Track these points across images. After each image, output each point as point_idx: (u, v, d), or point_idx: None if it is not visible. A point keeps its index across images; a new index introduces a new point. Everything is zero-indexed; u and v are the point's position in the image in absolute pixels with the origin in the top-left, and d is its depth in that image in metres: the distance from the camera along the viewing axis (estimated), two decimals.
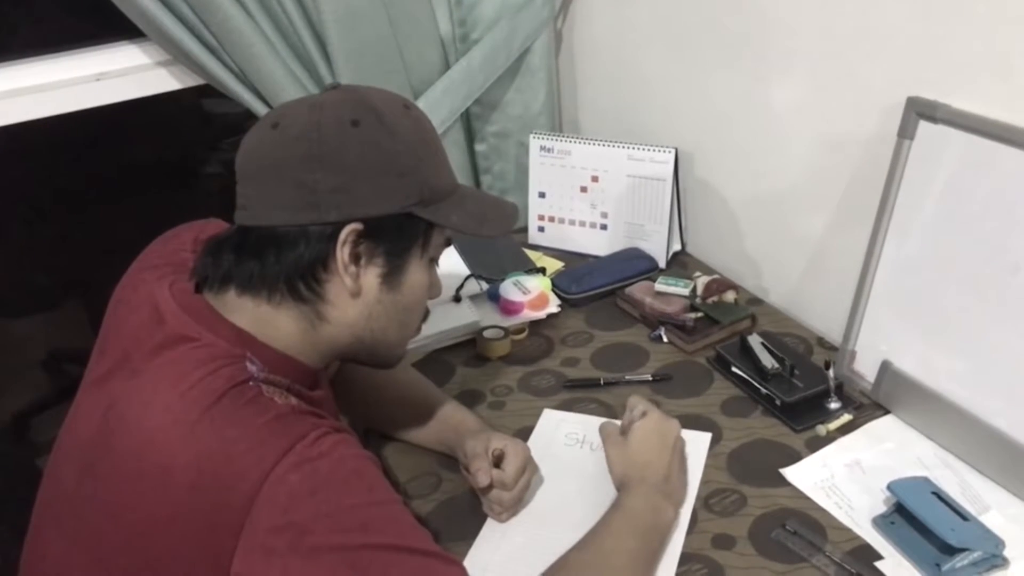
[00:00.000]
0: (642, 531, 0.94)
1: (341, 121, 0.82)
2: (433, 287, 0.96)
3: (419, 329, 0.97)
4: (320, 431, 0.75)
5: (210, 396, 0.75)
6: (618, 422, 1.07)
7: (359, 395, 1.13)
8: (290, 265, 0.83)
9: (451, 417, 1.11)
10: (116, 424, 0.77)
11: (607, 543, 0.91)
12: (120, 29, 1.44)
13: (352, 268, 0.84)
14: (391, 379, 1.14)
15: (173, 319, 0.81)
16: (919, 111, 1.05)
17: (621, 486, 0.99)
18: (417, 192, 0.86)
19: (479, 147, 1.71)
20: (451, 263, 1.48)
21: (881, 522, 0.98)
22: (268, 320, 0.84)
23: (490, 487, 1.00)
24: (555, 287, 1.44)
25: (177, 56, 1.44)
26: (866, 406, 1.16)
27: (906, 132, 1.07)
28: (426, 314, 0.97)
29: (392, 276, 0.88)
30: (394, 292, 0.88)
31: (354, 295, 0.86)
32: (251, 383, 0.78)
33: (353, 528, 0.72)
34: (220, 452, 0.72)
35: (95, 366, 0.86)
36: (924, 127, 1.05)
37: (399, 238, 0.87)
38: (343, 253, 0.83)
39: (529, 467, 1.03)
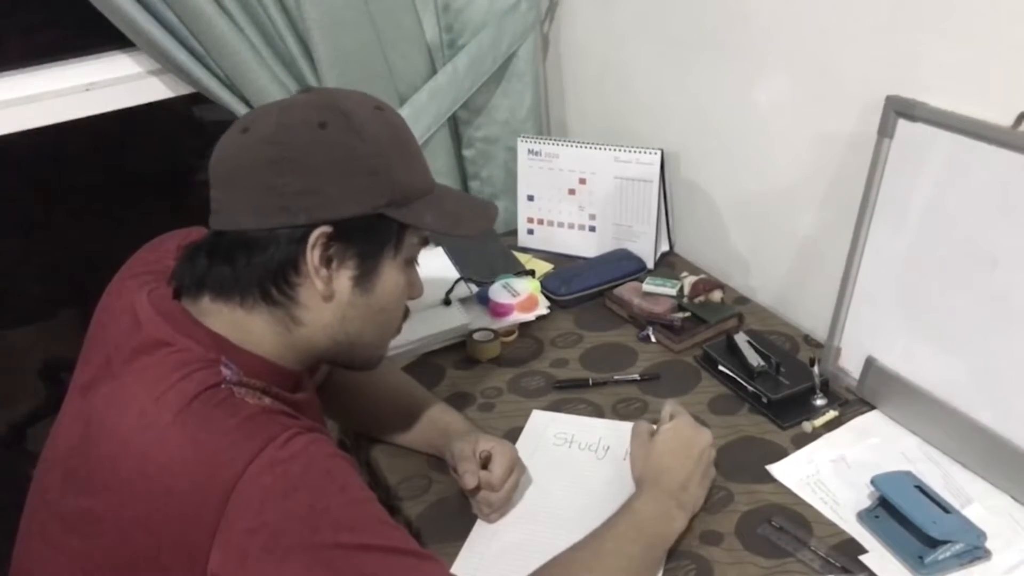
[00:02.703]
0: (646, 537, 0.93)
1: (308, 123, 0.83)
2: (413, 287, 0.96)
3: (399, 330, 0.97)
4: (291, 431, 0.76)
5: (182, 399, 0.75)
6: (654, 426, 1.04)
7: (348, 399, 1.14)
8: (261, 269, 0.83)
9: (439, 419, 1.12)
10: (96, 431, 0.78)
11: (607, 544, 0.91)
12: (109, 39, 1.46)
13: (323, 271, 0.84)
14: (379, 382, 1.15)
15: (149, 324, 0.82)
16: (898, 109, 1.06)
17: (636, 486, 0.99)
18: (388, 193, 0.85)
19: (467, 152, 1.72)
20: (441, 266, 1.49)
21: (866, 516, 0.99)
22: (243, 324, 0.85)
23: (478, 488, 1.01)
24: (544, 289, 1.46)
25: (166, 65, 1.45)
26: (851, 402, 1.17)
27: (885, 130, 1.08)
28: (406, 314, 0.97)
29: (365, 278, 0.87)
30: (367, 294, 0.88)
31: (326, 298, 0.86)
32: (223, 385, 0.78)
33: (327, 528, 0.73)
34: (192, 456, 0.73)
35: (79, 374, 0.87)
36: (903, 125, 1.06)
37: (370, 240, 0.87)
38: (313, 256, 0.83)
39: (517, 468, 1.04)
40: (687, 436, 1.01)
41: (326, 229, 0.82)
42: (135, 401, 0.76)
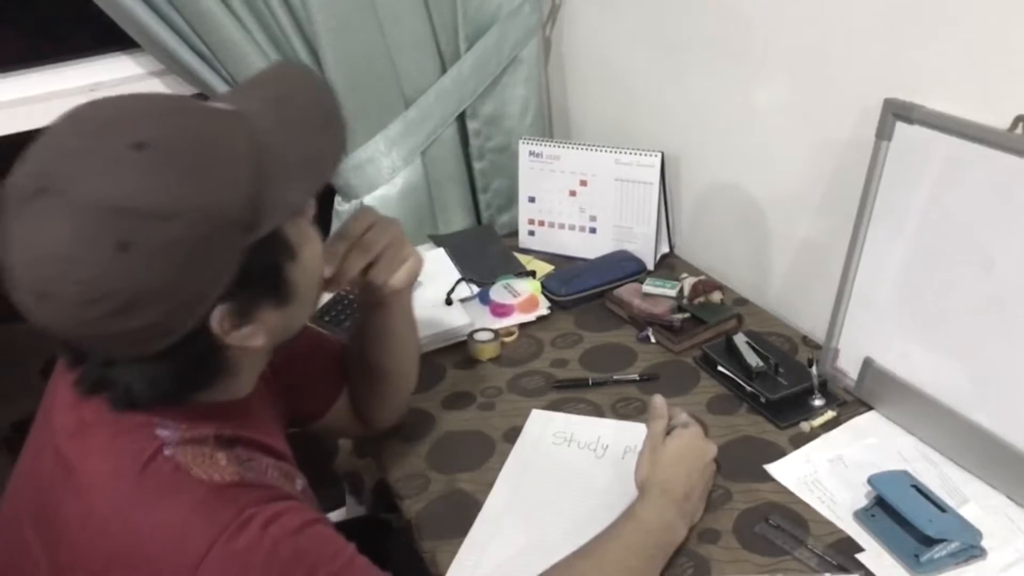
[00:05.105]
0: (651, 548, 0.93)
1: (105, 260, 0.65)
2: (316, 232, 0.83)
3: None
4: (245, 515, 0.69)
5: (122, 485, 0.70)
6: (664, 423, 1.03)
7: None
8: (181, 379, 0.74)
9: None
10: (49, 517, 0.74)
11: (611, 554, 0.91)
12: (114, 40, 1.46)
13: (246, 329, 0.74)
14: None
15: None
16: (896, 112, 1.07)
17: (641, 490, 0.97)
18: (240, 230, 0.70)
19: (478, 164, 1.72)
20: (442, 267, 1.50)
21: (862, 515, 0.99)
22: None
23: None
24: (544, 290, 1.46)
25: (171, 66, 1.46)
26: (849, 403, 1.17)
27: (883, 133, 1.09)
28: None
29: (284, 296, 0.77)
30: (294, 300, 0.79)
31: (257, 340, 0.76)
32: (166, 451, 0.72)
33: None
34: (137, 555, 0.68)
35: (40, 414, 0.83)
36: (901, 128, 1.07)
37: (265, 269, 0.74)
38: (229, 335, 0.73)
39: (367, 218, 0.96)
40: (699, 446, 1.02)
41: (222, 309, 0.71)
42: (80, 481, 0.72)
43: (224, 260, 0.69)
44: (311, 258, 0.80)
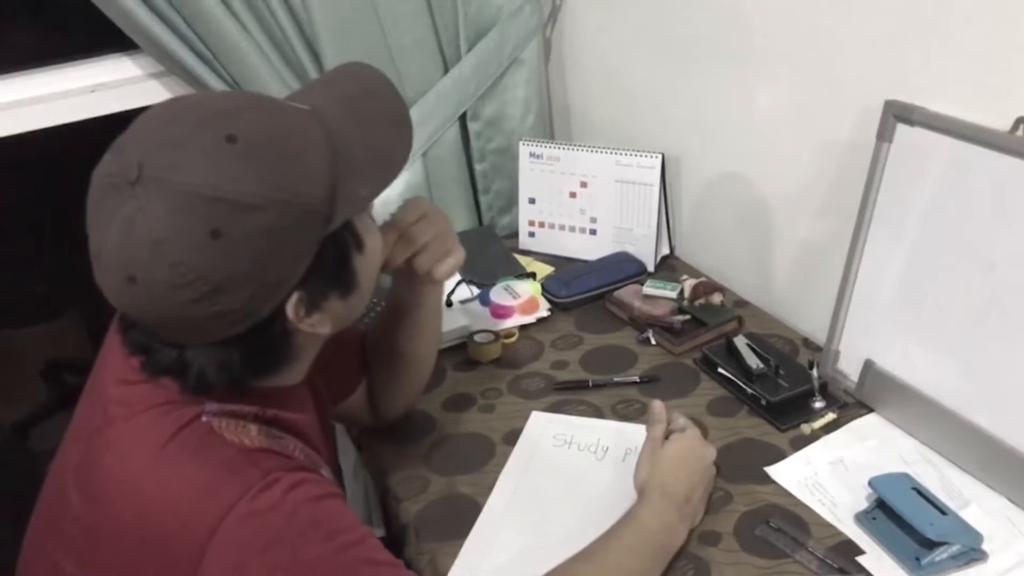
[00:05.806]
0: (652, 551, 0.93)
1: (200, 245, 0.68)
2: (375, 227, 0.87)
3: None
4: (271, 477, 0.72)
5: (157, 441, 0.73)
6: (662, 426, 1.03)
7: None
8: (250, 364, 0.77)
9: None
10: (87, 470, 0.77)
11: (612, 557, 0.91)
12: (115, 41, 1.47)
13: (316, 316, 0.78)
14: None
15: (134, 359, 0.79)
16: (896, 114, 1.07)
17: (641, 492, 0.97)
18: (318, 221, 0.74)
19: (479, 166, 1.71)
20: None
21: (863, 518, 0.99)
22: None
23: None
24: (545, 291, 1.46)
25: (171, 68, 1.46)
26: (850, 405, 1.17)
27: (884, 135, 1.09)
28: None
29: (349, 287, 0.82)
30: (356, 292, 0.83)
31: (325, 327, 0.80)
32: (203, 419, 0.75)
33: None
34: (164, 507, 0.71)
35: (88, 386, 0.85)
36: (902, 130, 1.07)
37: (337, 261, 0.79)
38: (302, 323, 0.77)
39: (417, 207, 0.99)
40: (698, 448, 1.02)
41: (298, 296, 0.75)
42: (117, 443, 0.75)
43: (304, 249, 0.73)
44: (373, 250, 0.84)
